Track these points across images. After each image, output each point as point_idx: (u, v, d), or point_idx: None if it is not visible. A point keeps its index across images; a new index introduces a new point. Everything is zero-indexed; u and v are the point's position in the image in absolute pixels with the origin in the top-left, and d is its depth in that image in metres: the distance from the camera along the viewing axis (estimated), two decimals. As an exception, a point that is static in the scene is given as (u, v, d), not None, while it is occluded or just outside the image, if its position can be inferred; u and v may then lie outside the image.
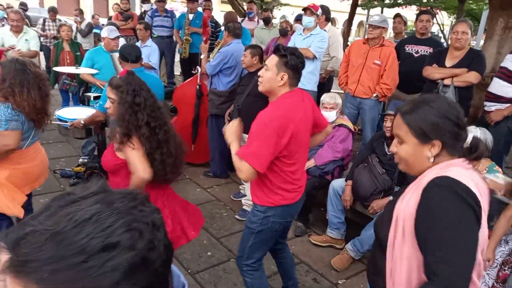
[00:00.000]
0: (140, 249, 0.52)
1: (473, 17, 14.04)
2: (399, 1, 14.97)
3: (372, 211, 3.27)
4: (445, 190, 1.21)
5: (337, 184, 3.54)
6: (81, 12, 8.22)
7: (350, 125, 3.72)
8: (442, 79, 3.55)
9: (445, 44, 7.25)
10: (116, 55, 4.23)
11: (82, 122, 3.31)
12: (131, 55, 3.35)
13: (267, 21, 6.21)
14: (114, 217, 0.52)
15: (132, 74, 2.08)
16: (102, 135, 4.18)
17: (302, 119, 2.15)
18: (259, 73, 2.20)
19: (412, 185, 1.35)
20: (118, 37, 4.43)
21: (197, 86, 4.55)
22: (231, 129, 2.16)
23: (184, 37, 6.09)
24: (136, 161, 1.92)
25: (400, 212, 1.31)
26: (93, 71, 4.15)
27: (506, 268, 2.59)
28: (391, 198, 3.23)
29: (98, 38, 7.13)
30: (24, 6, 9.21)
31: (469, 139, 1.78)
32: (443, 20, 14.56)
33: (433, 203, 1.22)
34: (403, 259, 1.28)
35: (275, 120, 2.01)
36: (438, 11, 14.37)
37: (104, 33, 4.37)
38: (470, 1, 13.63)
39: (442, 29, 14.82)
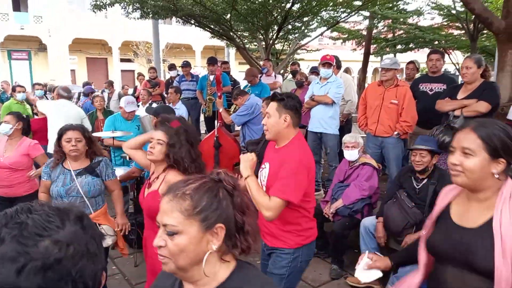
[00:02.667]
0: None
1: (488, 53, 14.24)
2: (410, 46, 15.43)
3: (405, 245, 3.25)
4: None
5: (368, 222, 3.57)
6: (110, 84, 8.94)
7: (374, 163, 3.82)
8: (453, 110, 3.66)
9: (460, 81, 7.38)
10: (147, 118, 4.60)
11: (118, 178, 3.56)
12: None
13: (294, 73, 6.65)
14: None
15: (184, 120, 2.39)
16: (138, 192, 4.43)
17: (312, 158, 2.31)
18: (262, 122, 2.32)
19: (499, 205, 1.39)
20: (134, 111, 4.77)
21: (215, 138, 4.78)
22: (249, 162, 2.19)
23: (207, 97, 6.51)
24: None
25: (506, 237, 1.33)
26: (129, 133, 4.50)
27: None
28: (424, 232, 3.23)
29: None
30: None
31: None
32: (458, 59, 14.80)
33: None
34: None
35: (304, 159, 2.16)
36: (451, 51, 14.69)
37: (122, 103, 4.78)
38: (483, 39, 13.92)
39: (457, 67, 15.04)
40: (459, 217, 1.53)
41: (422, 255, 1.65)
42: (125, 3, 7.18)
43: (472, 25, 12.24)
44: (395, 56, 16.75)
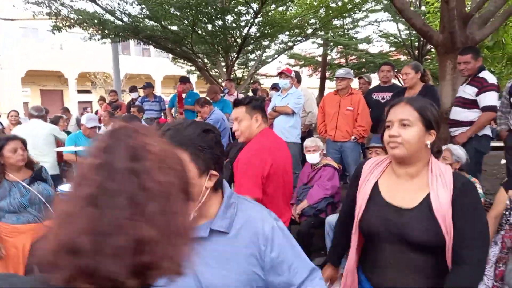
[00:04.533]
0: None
1: (432, 76, 15.37)
2: (362, 70, 16.38)
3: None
4: (475, 191, 1.49)
5: (332, 219, 3.73)
6: (66, 110, 8.80)
7: (334, 164, 4.03)
8: None
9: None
10: None
11: None
12: None
13: (255, 92, 6.88)
14: None
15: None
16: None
17: (280, 155, 2.32)
18: (233, 129, 2.41)
19: (433, 183, 1.48)
20: (95, 127, 4.79)
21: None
22: None
23: (177, 114, 6.57)
24: None
25: (445, 211, 1.43)
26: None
27: (500, 265, 2.74)
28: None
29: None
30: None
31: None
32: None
33: (471, 203, 1.45)
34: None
35: (256, 153, 2.20)
36: (400, 75, 15.70)
37: (83, 120, 4.79)
38: (427, 63, 15.05)
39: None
40: (390, 196, 1.55)
41: (354, 239, 1.66)
42: (85, 24, 7.21)
43: (416, 51, 13.26)
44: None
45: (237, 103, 2.36)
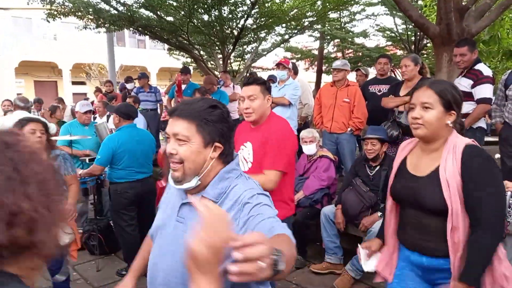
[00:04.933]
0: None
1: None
2: (359, 65, 16.38)
3: (363, 228, 3.45)
4: (484, 157, 1.61)
5: (328, 210, 3.75)
6: (61, 100, 8.72)
7: (330, 155, 4.05)
8: (396, 106, 3.97)
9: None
10: (102, 125, 4.56)
11: (80, 173, 3.52)
12: (128, 113, 3.68)
13: None
14: None
15: None
16: (98, 196, 4.34)
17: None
18: (244, 106, 2.36)
19: (444, 155, 1.64)
20: (89, 111, 4.80)
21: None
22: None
23: (175, 104, 6.54)
24: None
25: (450, 180, 1.59)
26: (87, 136, 4.44)
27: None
28: (379, 214, 3.45)
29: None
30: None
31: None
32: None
33: (479, 167, 1.58)
34: (465, 218, 1.59)
35: (286, 132, 2.37)
36: (396, 69, 15.73)
37: (77, 107, 4.80)
38: (424, 57, 15.07)
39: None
40: (413, 167, 1.78)
41: (388, 204, 1.91)
42: (80, 13, 7.12)
43: (413, 45, 13.26)
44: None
45: (251, 82, 2.37)
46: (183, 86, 6.43)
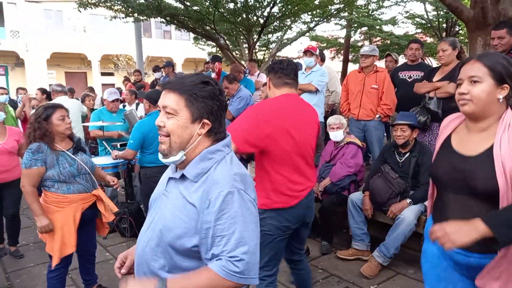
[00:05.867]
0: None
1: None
2: (387, 53, 15.98)
3: (392, 215, 3.41)
4: None
5: (355, 196, 3.72)
6: (92, 89, 8.97)
7: (358, 142, 4.00)
8: (427, 92, 3.85)
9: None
10: (132, 113, 4.67)
11: (116, 154, 3.65)
12: (158, 99, 3.76)
13: None
14: None
15: None
16: (129, 180, 4.46)
17: (298, 120, 2.22)
18: (265, 94, 2.49)
19: (499, 133, 1.47)
20: (116, 100, 4.88)
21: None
22: None
23: None
24: None
25: (508, 160, 1.42)
26: (118, 123, 4.56)
27: None
28: (408, 200, 3.40)
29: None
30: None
31: None
32: (432, 65, 15.34)
33: None
34: None
35: (262, 107, 2.21)
36: (426, 57, 15.27)
37: (104, 95, 4.91)
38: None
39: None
40: (459, 145, 1.61)
41: (430, 187, 1.78)
42: (109, 3, 7.27)
43: (444, 32, 12.81)
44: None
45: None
46: (212, 75, 6.50)
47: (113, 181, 3.09)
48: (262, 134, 2.08)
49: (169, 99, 1.25)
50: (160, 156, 1.32)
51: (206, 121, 1.25)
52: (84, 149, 2.88)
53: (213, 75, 6.49)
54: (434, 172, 1.69)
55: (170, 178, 1.36)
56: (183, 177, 1.29)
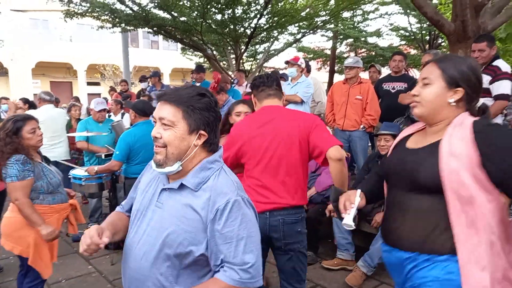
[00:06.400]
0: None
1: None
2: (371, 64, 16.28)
3: (376, 224, 3.44)
4: (504, 128, 1.42)
5: (340, 206, 3.74)
6: (77, 99, 8.89)
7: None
8: (411, 103, 3.92)
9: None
10: (119, 125, 4.64)
11: (96, 169, 3.59)
12: (144, 109, 3.75)
13: None
14: None
15: None
16: (114, 192, 4.40)
17: (266, 133, 2.20)
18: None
19: (449, 129, 1.41)
20: (103, 110, 4.85)
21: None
22: None
23: None
24: None
25: (456, 155, 1.35)
26: (104, 133, 4.53)
27: None
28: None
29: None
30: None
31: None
32: (416, 77, 15.65)
33: (500, 137, 1.34)
34: (490, 201, 1.32)
35: (236, 129, 2.33)
36: (410, 69, 15.58)
37: (91, 105, 4.87)
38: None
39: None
40: (412, 145, 1.58)
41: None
42: (96, 13, 7.25)
43: (427, 44, 13.12)
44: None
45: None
46: (197, 85, 6.50)
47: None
48: (236, 151, 2.22)
49: (166, 111, 1.27)
50: (154, 166, 1.32)
51: (202, 132, 1.29)
52: (49, 160, 2.86)
53: (197, 85, 6.52)
54: (384, 167, 1.66)
55: (163, 189, 1.35)
56: (181, 186, 1.31)
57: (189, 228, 1.25)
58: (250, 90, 4.23)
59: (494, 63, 3.65)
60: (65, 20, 7.41)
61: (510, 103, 3.85)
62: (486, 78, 3.65)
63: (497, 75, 3.57)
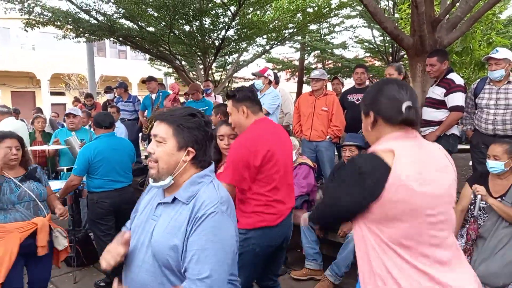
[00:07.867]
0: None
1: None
2: (338, 75, 16.68)
3: (342, 234, 3.51)
4: None
5: (307, 216, 3.78)
6: (39, 110, 8.57)
7: (310, 162, 4.10)
8: None
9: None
10: (73, 138, 4.53)
11: (57, 195, 3.43)
12: (105, 121, 3.66)
13: None
14: None
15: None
16: (76, 207, 4.26)
17: (277, 142, 2.32)
18: (229, 121, 2.41)
19: None
20: (74, 116, 4.88)
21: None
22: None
23: (151, 116, 6.49)
24: None
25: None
26: (61, 147, 4.41)
27: (466, 256, 2.86)
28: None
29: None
30: None
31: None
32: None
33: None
34: None
35: (247, 143, 2.22)
36: (374, 80, 16.10)
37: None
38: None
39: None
40: None
41: None
42: (59, 23, 7.05)
43: (390, 56, 13.62)
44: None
45: (226, 96, 2.43)
46: (153, 96, 6.54)
47: (60, 213, 2.95)
48: (254, 167, 2.20)
49: (159, 129, 1.40)
50: (150, 181, 1.44)
51: (191, 149, 1.39)
52: (37, 178, 2.80)
53: (153, 96, 6.54)
54: None
55: (159, 204, 1.45)
56: (174, 200, 1.40)
57: (176, 240, 1.33)
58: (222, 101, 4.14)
59: (449, 76, 3.84)
60: (25, 30, 7.15)
61: (465, 114, 4.05)
62: (441, 91, 3.84)
63: (451, 87, 3.75)
